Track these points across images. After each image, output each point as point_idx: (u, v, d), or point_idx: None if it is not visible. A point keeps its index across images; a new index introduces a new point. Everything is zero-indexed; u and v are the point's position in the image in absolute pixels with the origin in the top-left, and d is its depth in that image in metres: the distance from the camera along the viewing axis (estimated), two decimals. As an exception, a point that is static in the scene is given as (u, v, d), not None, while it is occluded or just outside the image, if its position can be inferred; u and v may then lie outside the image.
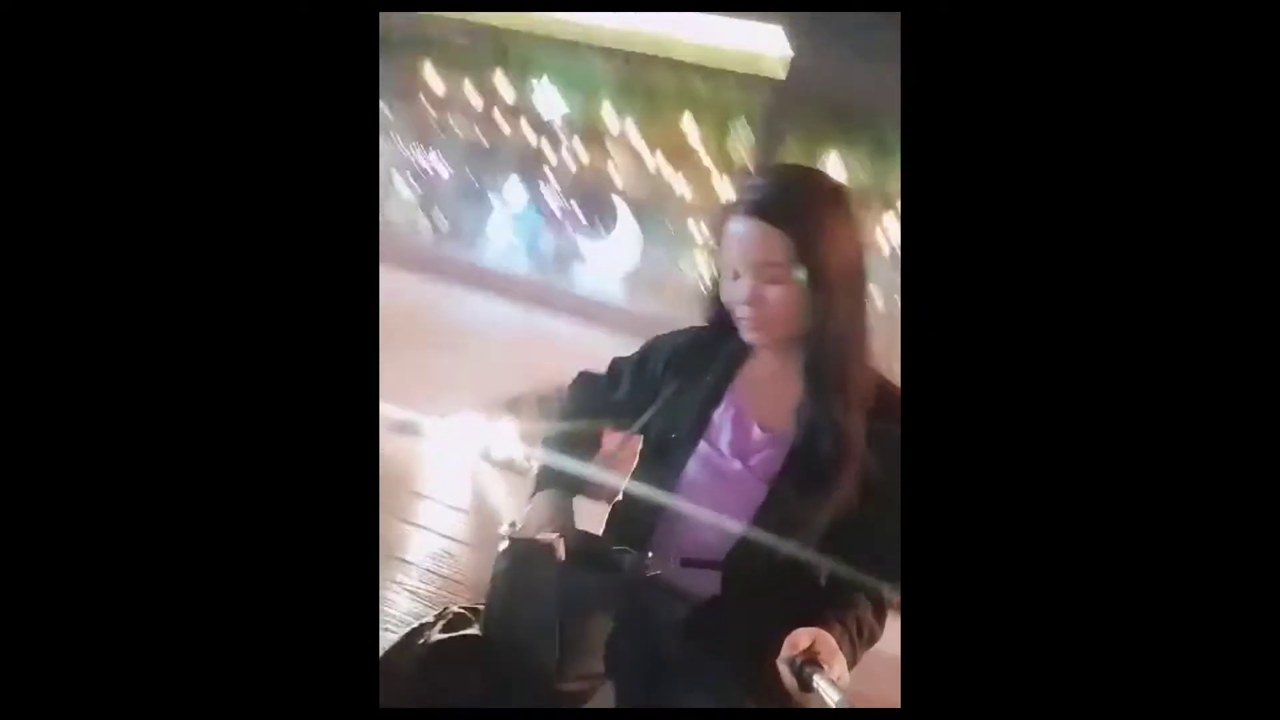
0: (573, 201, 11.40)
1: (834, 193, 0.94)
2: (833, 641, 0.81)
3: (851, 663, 0.84)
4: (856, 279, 0.93)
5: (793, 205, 0.91)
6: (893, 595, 0.94)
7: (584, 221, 10.48)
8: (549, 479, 1.05)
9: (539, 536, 0.93)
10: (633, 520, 1.00)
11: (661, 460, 1.00)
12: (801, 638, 0.80)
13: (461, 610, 1.02)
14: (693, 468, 0.98)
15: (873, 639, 0.91)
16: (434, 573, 1.71)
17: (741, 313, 0.94)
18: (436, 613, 1.04)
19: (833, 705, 0.71)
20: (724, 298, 0.96)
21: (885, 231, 9.82)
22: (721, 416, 0.99)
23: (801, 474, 0.93)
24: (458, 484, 2.38)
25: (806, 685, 0.75)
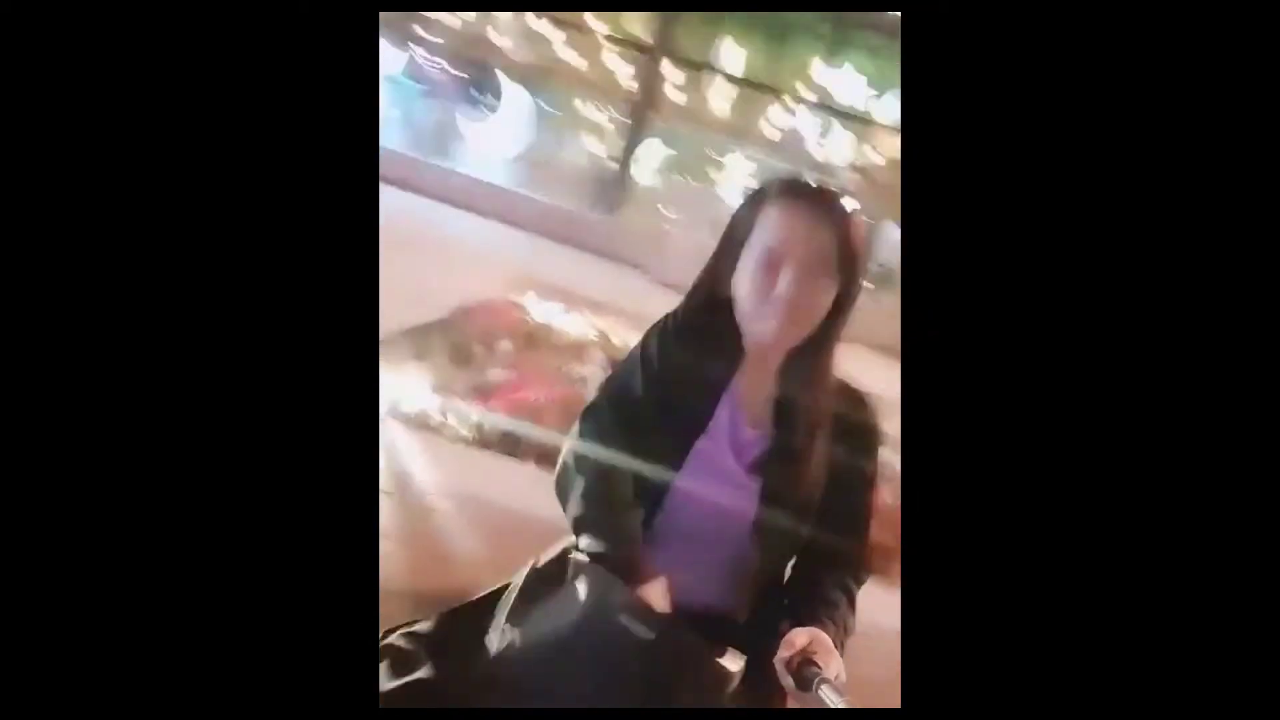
0: (453, 70, 10.48)
1: (853, 210, 0.93)
2: (829, 640, 0.82)
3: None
4: (856, 292, 0.94)
5: (831, 200, 0.90)
6: (857, 588, 0.98)
7: (467, 93, 9.72)
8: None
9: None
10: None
11: (667, 450, 0.96)
12: (799, 636, 0.80)
13: (403, 644, 0.94)
14: (693, 463, 0.95)
15: (850, 633, 0.94)
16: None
17: (774, 308, 0.89)
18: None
19: (834, 706, 0.71)
20: (753, 288, 0.90)
21: (769, 120, 9.81)
22: (720, 413, 0.97)
23: (780, 474, 0.95)
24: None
25: (805, 685, 0.76)
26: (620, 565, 0.86)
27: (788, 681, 0.78)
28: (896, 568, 1.55)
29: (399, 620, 0.97)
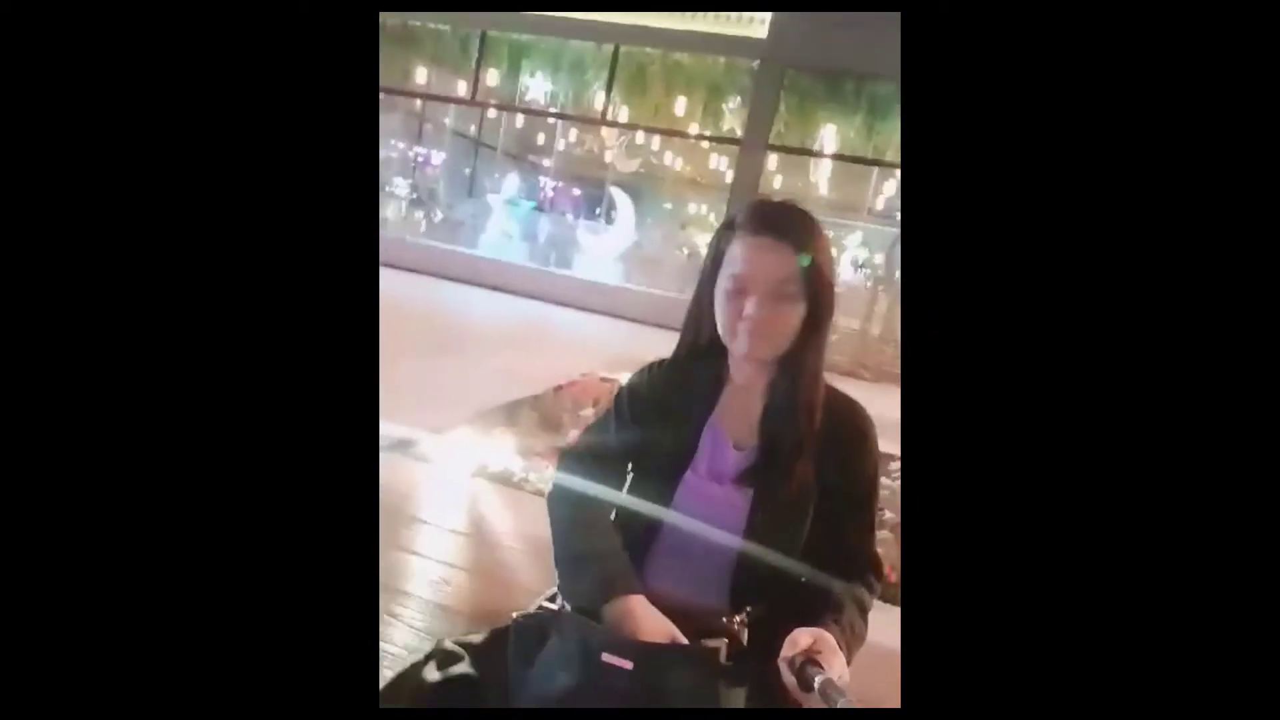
0: (568, 187, 11.34)
1: (819, 225, 0.96)
2: (833, 640, 0.81)
3: (847, 662, 0.84)
4: (831, 302, 0.96)
5: (794, 225, 0.93)
6: (870, 596, 0.95)
7: (580, 209, 10.46)
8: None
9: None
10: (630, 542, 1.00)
11: (653, 494, 1.00)
12: (802, 637, 0.79)
13: (452, 647, 1.04)
14: (682, 498, 0.97)
15: (861, 639, 0.91)
16: (431, 601, 1.71)
17: (745, 328, 0.93)
18: (429, 650, 1.06)
19: (836, 705, 0.70)
20: (724, 312, 0.96)
21: (880, 191, 9.77)
22: (703, 444, 1.00)
23: (771, 478, 0.95)
24: (453, 504, 2.36)
25: (807, 685, 0.74)
26: (600, 584, 0.90)
27: (790, 681, 0.77)
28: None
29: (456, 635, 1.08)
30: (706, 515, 0.95)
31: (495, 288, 8.73)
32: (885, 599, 1.05)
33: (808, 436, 0.95)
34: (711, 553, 0.96)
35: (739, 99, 9.53)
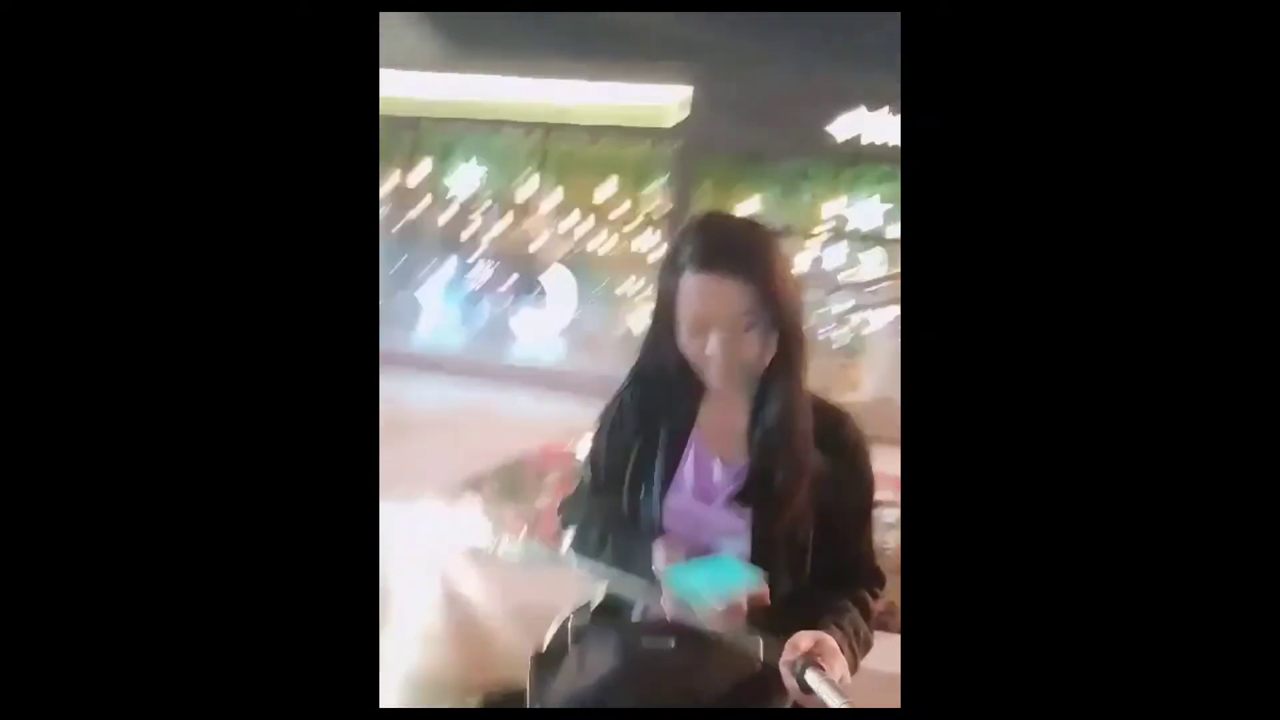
0: (501, 272, 11.40)
1: (765, 233, 0.96)
2: (834, 643, 0.81)
3: (852, 668, 0.84)
4: (799, 312, 0.95)
5: (742, 253, 0.91)
6: (874, 602, 0.96)
7: (515, 291, 10.51)
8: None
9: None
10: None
11: (638, 517, 1.00)
12: (803, 639, 0.80)
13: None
14: (668, 519, 0.97)
15: (868, 645, 0.92)
16: (414, 677, 1.63)
17: (713, 364, 0.92)
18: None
19: (835, 707, 0.70)
20: (686, 351, 0.95)
21: (801, 262, 10.15)
22: (684, 463, 0.99)
23: (763, 497, 0.94)
24: (426, 578, 2.27)
25: (807, 687, 0.75)
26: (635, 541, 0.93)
27: (791, 683, 0.78)
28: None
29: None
30: (699, 539, 0.94)
31: (432, 373, 8.58)
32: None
33: (804, 462, 0.94)
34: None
35: (666, 176, 9.92)
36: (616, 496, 1.01)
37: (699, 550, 0.92)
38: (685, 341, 0.94)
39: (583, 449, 3.89)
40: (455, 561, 2.34)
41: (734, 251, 0.91)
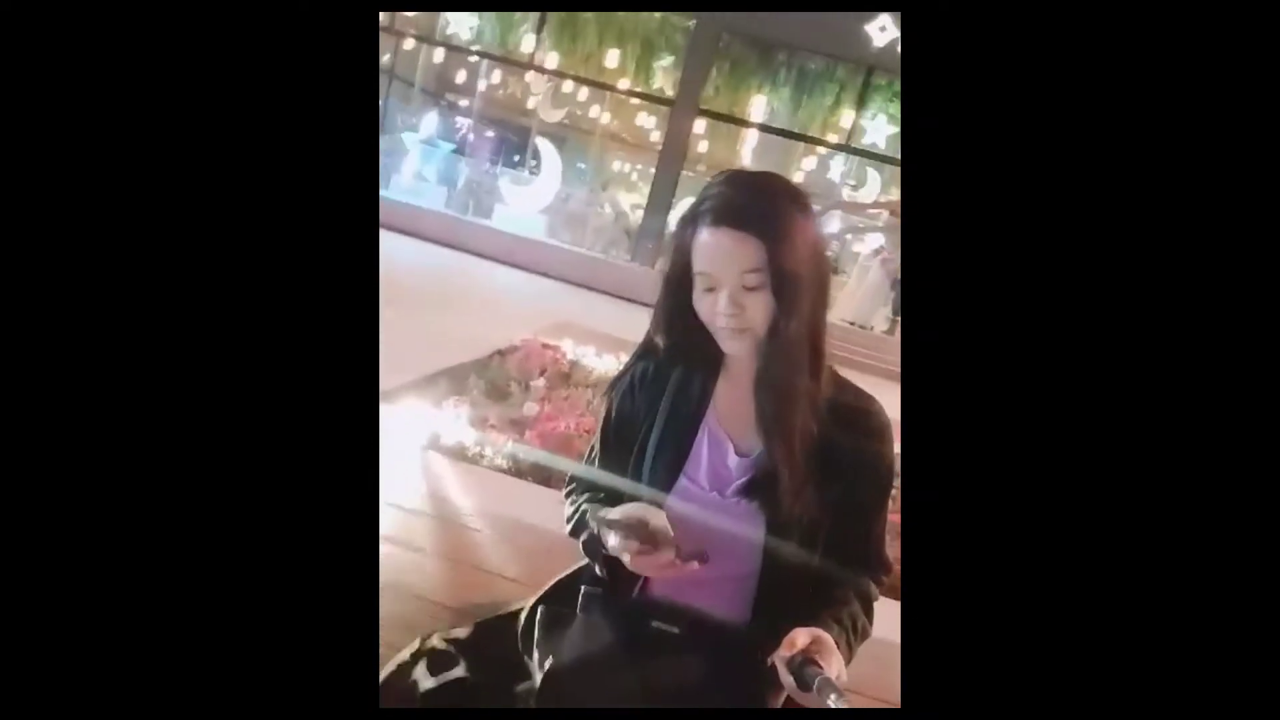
0: (491, 134, 10.85)
1: (794, 194, 0.90)
2: (830, 640, 0.79)
3: (847, 660, 0.83)
4: (821, 281, 0.90)
5: (760, 210, 0.87)
6: (875, 590, 0.95)
7: (502, 156, 10.06)
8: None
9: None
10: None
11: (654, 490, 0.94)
12: (800, 636, 0.78)
13: (443, 646, 0.97)
14: (679, 507, 0.91)
15: (865, 635, 0.91)
16: (401, 589, 1.62)
17: (723, 323, 0.89)
18: (414, 648, 0.98)
19: (832, 706, 0.70)
20: (700, 310, 0.91)
21: (800, 167, 9.94)
22: (698, 448, 0.94)
23: (770, 492, 0.90)
24: (409, 481, 2.24)
25: (805, 684, 0.74)
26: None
27: (788, 681, 0.76)
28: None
29: (436, 628, 1.03)
30: (710, 530, 0.90)
31: (409, 233, 8.29)
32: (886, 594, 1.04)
33: (803, 463, 0.89)
34: (727, 568, 0.91)
35: (672, 58, 9.37)
36: (623, 475, 0.96)
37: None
38: (697, 301, 0.90)
39: (568, 345, 3.88)
40: (440, 464, 2.30)
41: (750, 207, 0.87)
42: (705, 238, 0.87)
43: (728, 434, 0.94)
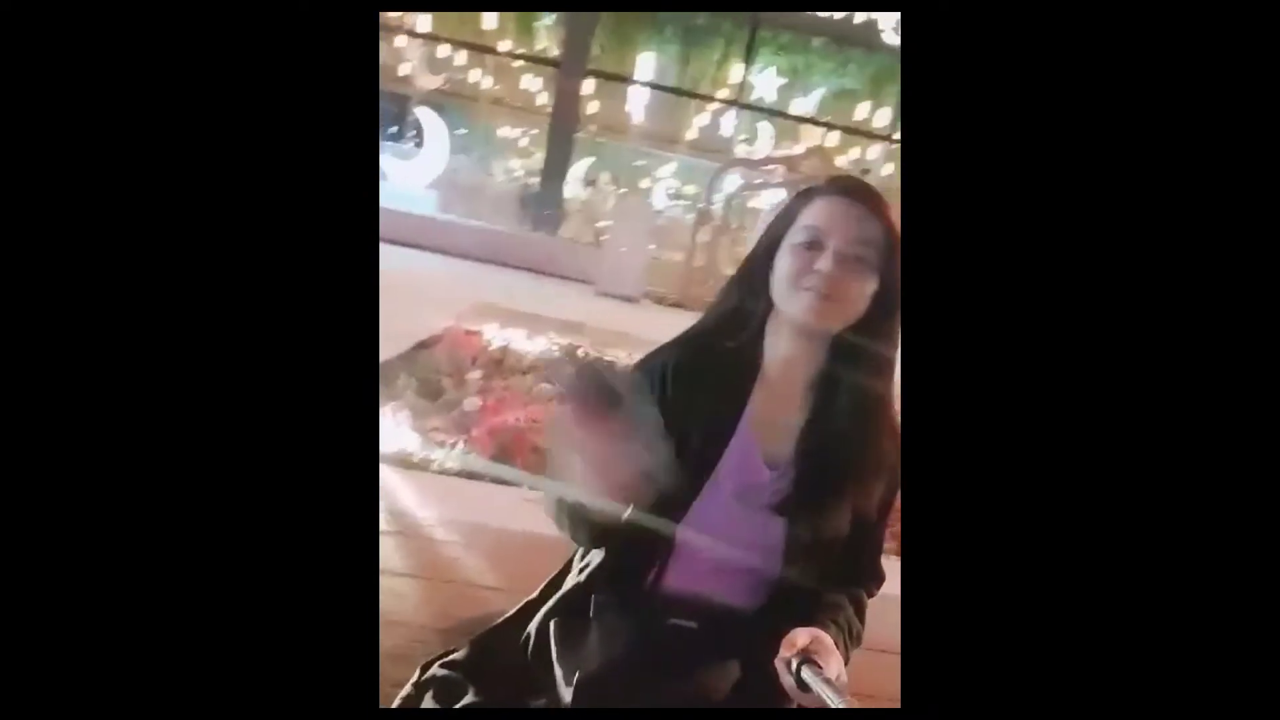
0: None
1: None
2: (830, 640, 0.80)
3: (844, 662, 0.84)
4: (897, 303, 0.88)
5: (881, 203, 0.89)
6: (868, 598, 0.96)
7: (381, 129, 9.49)
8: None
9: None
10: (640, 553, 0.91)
11: (668, 498, 0.92)
12: (799, 637, 0.79)
13: (446, 673, 0.92)
14: (701, 514, 0.88)
15: (859, 639, 0.92)
16: (386, 618, 1.52)
17: (813, 283, 0.85)
18: (415, 680, 0.93)
19: (832, 706, 0.71)
20: (786, 266, 0.87)
21: (693, 124, 9.94)
22: (728, 455, 0.90)
23: (804, 510, 0.90)
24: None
25: (804, 685, 0.75)
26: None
27: (787, 681, 0.76)
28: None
29: (430, 653, 0.99)
30: (730, 539, 0.88)
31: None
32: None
33: (870, 481, 0.90)
34: (746, 564, 0.90)
35: (554, 18, 9.05)
36: None
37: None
38: (790, 259, 0.87)
39: (492, 329, 3.69)
40: (386, 474, 2.16)
41: (872, 193, 0.89)
42: (825, 200, 0.87)
43: (760, 442, 0.91)
